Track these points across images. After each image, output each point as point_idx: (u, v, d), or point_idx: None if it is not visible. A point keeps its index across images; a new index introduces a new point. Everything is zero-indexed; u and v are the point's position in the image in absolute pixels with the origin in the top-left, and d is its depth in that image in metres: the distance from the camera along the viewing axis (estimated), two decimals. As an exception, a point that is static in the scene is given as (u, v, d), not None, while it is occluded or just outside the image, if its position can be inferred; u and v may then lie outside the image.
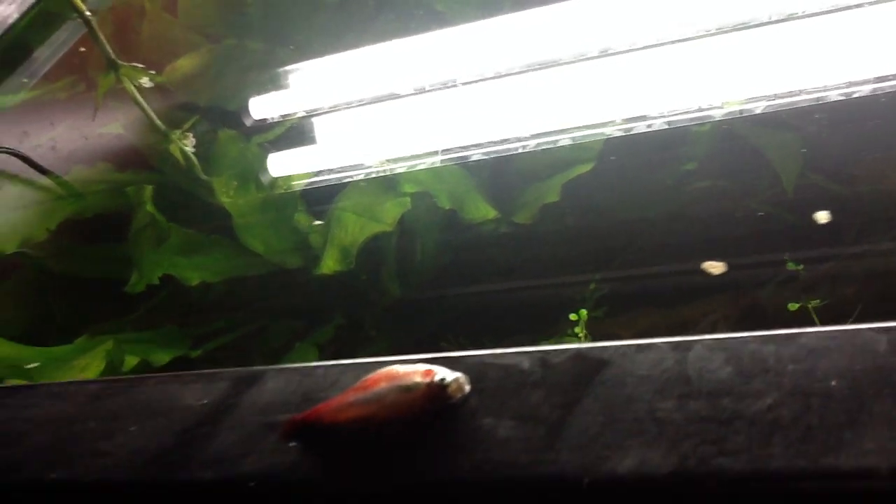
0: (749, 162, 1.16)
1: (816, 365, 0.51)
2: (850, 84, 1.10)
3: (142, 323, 1.25)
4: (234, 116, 1.31)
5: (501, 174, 1.20)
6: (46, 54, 1.45)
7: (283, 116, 1.37)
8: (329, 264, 1.14)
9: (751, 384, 0.51)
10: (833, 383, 0.50)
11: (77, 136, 1.47)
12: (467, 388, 0.57)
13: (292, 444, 0.60)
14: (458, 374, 0.57)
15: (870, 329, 0.52)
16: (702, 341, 0.55)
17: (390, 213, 1.12)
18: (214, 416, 0.64)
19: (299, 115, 1.35)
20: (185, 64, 1.31)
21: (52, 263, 1.31)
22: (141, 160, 1.40)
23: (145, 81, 1.38)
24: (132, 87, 1.36)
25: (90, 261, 1.30)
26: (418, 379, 0.57)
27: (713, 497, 0.48)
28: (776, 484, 0.47)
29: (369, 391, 0.59)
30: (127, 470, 0.63)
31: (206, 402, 0.65)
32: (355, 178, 1.29)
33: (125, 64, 1.37)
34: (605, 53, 1.18)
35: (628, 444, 0.51)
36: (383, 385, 0.58)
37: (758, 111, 1.14)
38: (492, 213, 1.14)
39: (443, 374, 0.57)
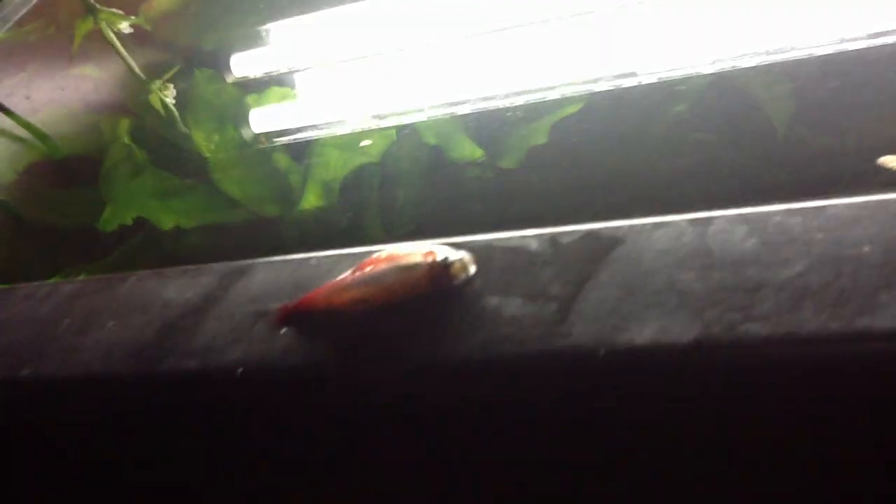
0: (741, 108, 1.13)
1: (847, 233, 0.48)
2: (843, 41, 1.08)
3: (114, 268, 1.20)
4: (212, 57, 1.27)
5: (487, 115, 1.16)
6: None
7: (265, 73, 1.34)
8: (310, 199, 1.10)
9: (777, 254, 0.48)
10: (865, 249, 0.47)
11: (53, 86, 1.43)
12: (472, 268, 0.54)
13: (284, 331, 0.56)
14: (462, 254, 0.54)
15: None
16: (723, 216, 0.51)
17: (375, 146, 1.08)
18: (199, 308, 0.60)
19: (281, 71, 1.31)
20: (162, 1, 1.26)
21: (22, 208, 1.26)
22: (119, 110, 1.36)
23: (125, 27, 1.34)
24: (111, 34, 1.32)
25: (62, 205, 1.26)
26: (419, 259, 0.54)
27: (740, 363, 0.45)
28: (808, 347, 0.44)
29: (367, 273, 0.55)
30: (104, 363, 0.59)
31: (189, 295, 0.61)
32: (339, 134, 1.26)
33: (104, 9, 1.33)
34: (594, 9, 1.16)
35: (647, 314, 0.48)
36: (382, 266, 0.55)
37: (748, 66, 1.12)
38: (478, 153, 1.10)
39: (445, 253, 0.54)
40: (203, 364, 0.55)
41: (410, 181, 1.13)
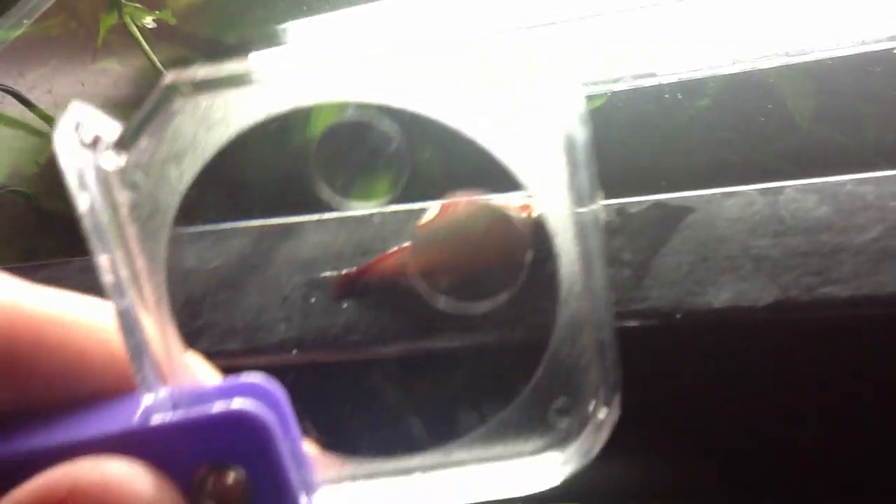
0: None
1: (922, 200, 0.48)
2: (864, 42, 1.08)
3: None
4: (232, 54, 1.26)
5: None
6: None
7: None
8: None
9: (852, 220, 0.49)
10: (943, 215, 0.47)
11: (74, 81, 1.42)
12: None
13: (345, 305, 0.54)
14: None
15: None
16: (792, 186, 0.52)
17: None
18: (234, 278, 0.57)
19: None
20: (189, -7, 1.26)
21: (43, 201, 1.25)
22: (139, 105, 1.35)
23: (148, 22, 1.33)
24: (135, 28, 1.32)
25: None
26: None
27: (820, 324, 0.45)
28: (890, 308, 0.44)
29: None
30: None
31: (218, 264, 0.59)
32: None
33: (128, 3, 1.32)
34: (615, 10, 1.16)
35: (723, 279, 0.48)
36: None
37: (769, 66, 1.12)
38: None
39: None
40: (245, 346, 0.53)
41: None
